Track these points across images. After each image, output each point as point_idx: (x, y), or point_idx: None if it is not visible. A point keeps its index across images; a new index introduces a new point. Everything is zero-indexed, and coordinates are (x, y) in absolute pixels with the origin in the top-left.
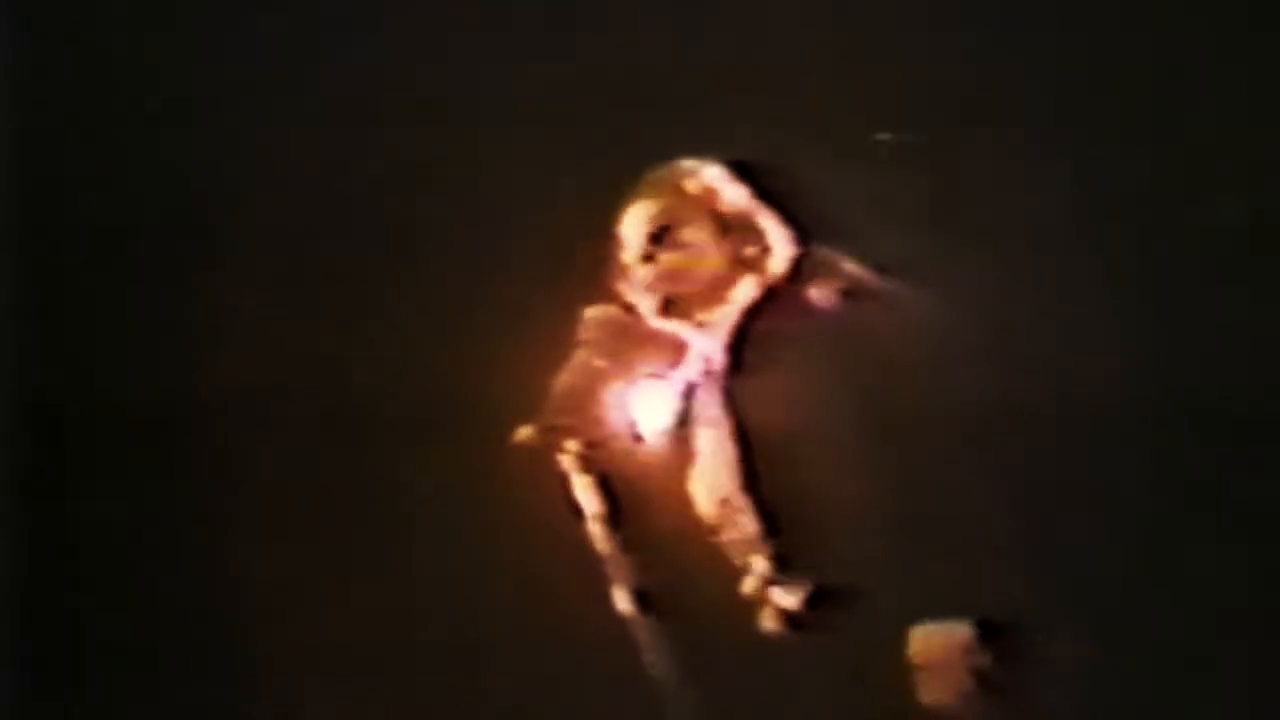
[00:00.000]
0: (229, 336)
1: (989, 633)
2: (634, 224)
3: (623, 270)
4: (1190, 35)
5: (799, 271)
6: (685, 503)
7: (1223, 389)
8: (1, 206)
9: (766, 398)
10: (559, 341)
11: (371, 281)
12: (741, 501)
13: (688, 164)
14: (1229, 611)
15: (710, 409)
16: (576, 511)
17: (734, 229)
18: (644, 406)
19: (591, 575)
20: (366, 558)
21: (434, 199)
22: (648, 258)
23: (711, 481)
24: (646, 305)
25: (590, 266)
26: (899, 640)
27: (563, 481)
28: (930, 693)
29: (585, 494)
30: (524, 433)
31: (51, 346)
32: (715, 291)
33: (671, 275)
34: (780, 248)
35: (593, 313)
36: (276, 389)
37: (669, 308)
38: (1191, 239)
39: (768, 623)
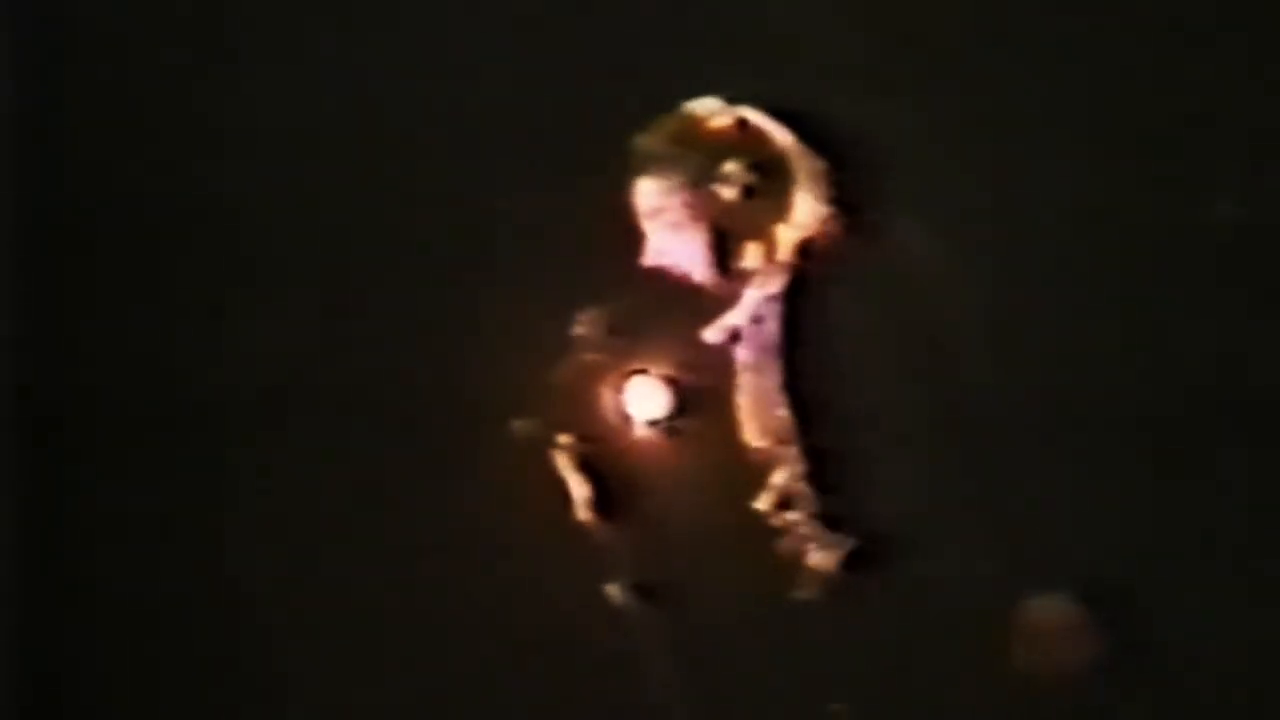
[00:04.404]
0: (225, 334)
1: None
2: (653, 194)
3: (641, 242)
4: (1191, 33)
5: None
6: (682, 496)
7: None
8: (1, 200)
9: (812, 354)
10: (556, 335)
11: (367, 275)
12: (790, 451)
13: (701, 106)
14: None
15: (756, 359)
16: (572, 505)
17: (762, 177)
18: (639, 399)
19: (588, 569)
20: (360, 554)
21: (431, 197)
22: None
23: (759, 426)
24: (688, 257)
25: (590, 259)
26: (934, 618)
27: (558, 475)
28: (1039, 666)
29: (580, 487)
30: (520, 426)
31: (48, 345)
32: (753, 245)
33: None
34: (812, 202)
35: (590, 307)
36: (271, 386)
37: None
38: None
39: (800, 589)
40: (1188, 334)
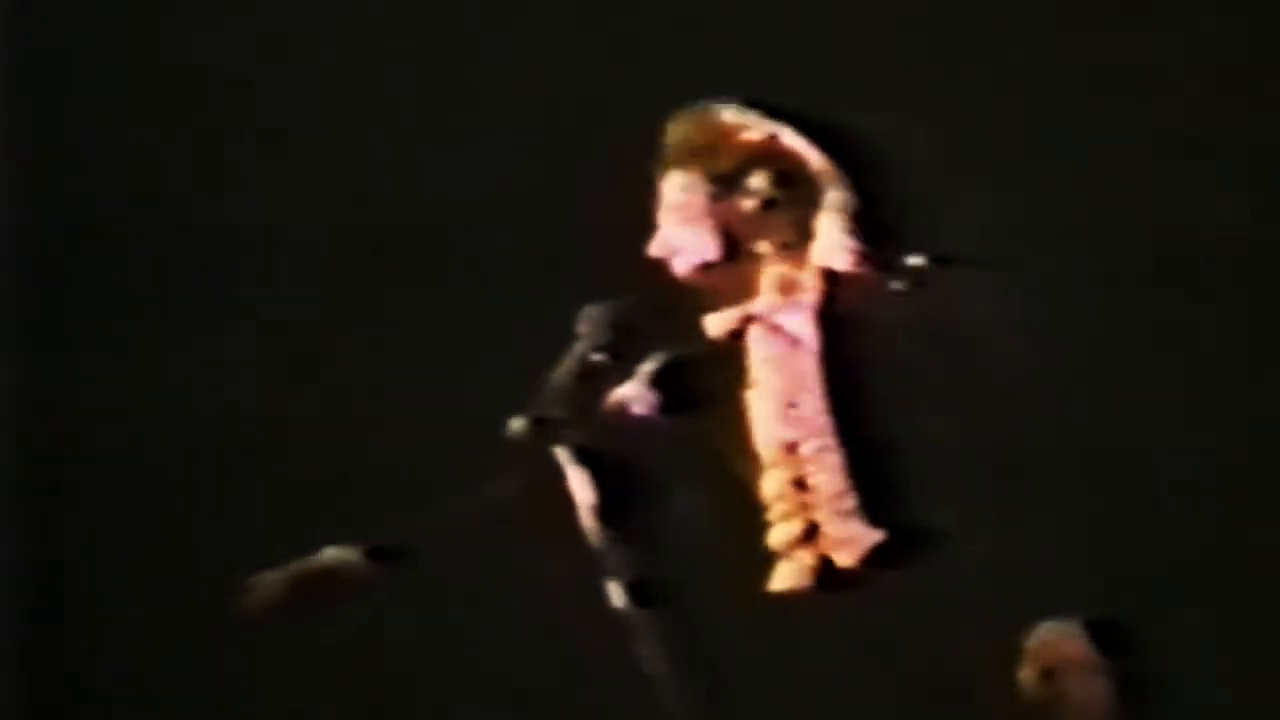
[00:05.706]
0: (225, 335)
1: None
2: (677, 189)
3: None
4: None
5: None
6: (679, 495)
7: None
8: (3, 205)
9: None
10: (555, 334)
11: (366, 274)
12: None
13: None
14: None
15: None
16: (573, 503)
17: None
18: (640, 396)
19: (588, 567)
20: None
21: (431, 190)
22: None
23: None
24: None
25: (591, 257)
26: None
27: (559, 473)
28: (1055, 695)
29: (581, 484)
30: (517, 425)
31: (52, 359)
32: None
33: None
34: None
35: (591, 305)
36: (272, 386)
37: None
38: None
39: (798, 580)
40: (1218, 365)
